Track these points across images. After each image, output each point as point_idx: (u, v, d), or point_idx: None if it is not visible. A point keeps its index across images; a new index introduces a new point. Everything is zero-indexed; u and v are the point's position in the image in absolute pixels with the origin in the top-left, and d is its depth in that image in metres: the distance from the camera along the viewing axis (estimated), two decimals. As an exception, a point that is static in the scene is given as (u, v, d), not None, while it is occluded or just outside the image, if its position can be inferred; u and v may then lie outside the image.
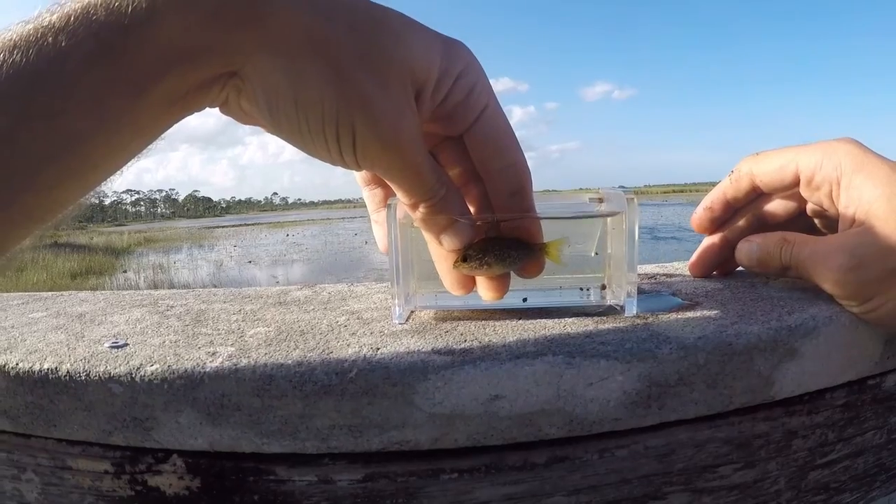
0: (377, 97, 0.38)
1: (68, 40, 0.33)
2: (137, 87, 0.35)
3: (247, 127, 0.51)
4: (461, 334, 0.47)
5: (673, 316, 0.49)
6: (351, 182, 0.54)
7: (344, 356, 0.43)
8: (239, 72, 0.38)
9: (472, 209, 0.48)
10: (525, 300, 0.54)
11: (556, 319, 0.50)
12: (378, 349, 0.44)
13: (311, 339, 0.47)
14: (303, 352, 0.44)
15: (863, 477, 0.54)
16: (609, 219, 0.52)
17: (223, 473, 0.45)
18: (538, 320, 0.50)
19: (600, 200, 0.53)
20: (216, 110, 0.42)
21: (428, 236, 0.48)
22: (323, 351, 0.44)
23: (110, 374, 0.43)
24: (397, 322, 0.51)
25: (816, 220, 0.59)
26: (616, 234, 0.52)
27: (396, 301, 0.51)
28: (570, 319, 0.50)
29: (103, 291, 0.75)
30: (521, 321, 0.50)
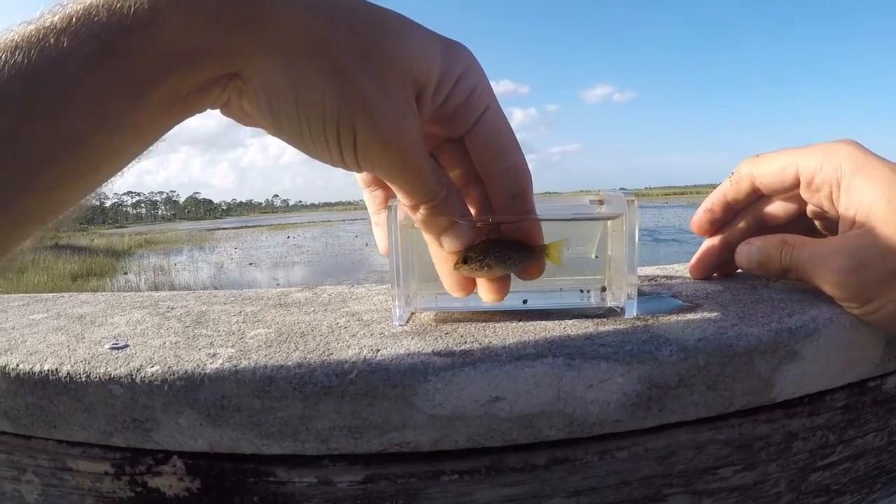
0: (378, 98, 0.38)
1: (70, 41, 0.33)
2: (139, 89, 0.35)
3: (248, 129, 0.52)
4: (461, 336, 0.47)
5: (673, 318, 0.49)
6: (352, 184, 0.54)
7: (344, 358, 0.43)
8: (240, 73, 0.38)
9: (472, 211, 0.48)
10: (525, 302, 0.54)
11: (556, 321, 0.50)
12: (378, 351, 0.44)
13: (311, 341, 0.47)
14: (303, 353, 0.44)
15: (863, 479, 0.54)
16: (609, 221, 0.52)
17: (223, 475, 0.45)
18: (538, 322, 0.50)
19: (601, 202, 0.53)
20: (217, 112, 0.42)
21: (428, 238, 0.48)
22: (323, 352, 0.44)
23: (111, 375, 0.43)
24: (397, 324, 0.51)
25: (817, 222, 0.59)
26: (616, 236, 0.52)
27: (397, 303, 0.51)
28: (571, 321, 0.50)
29: (104, 293, 0.75)
30: (521, 323, 0.50)
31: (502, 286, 0.49)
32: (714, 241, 0.63)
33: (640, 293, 0.56)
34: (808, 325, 0.47)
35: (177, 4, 0.34)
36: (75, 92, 0.33)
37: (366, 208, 0.53)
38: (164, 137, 0.40)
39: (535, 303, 0.54)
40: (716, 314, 0.50)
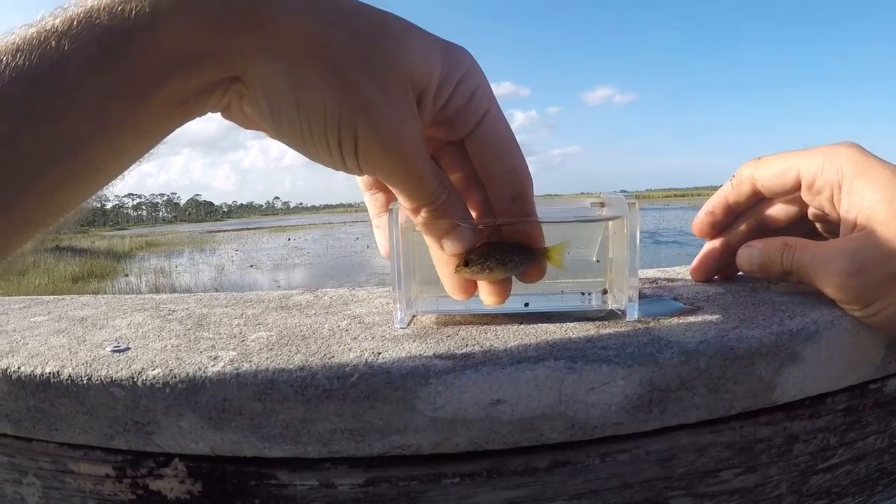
0: (379, 102, 0.38)
1: (71, 44, 0.33)
2: (140, 92, 0.35)
3: (248, 131, 0.52)
4: (462, 339, 0.47)
5: (674, 320, 0.49)
6: (352, 186, 0.54)
7: (345, 361, 0.43)
8: (241, 76, 0.38)
9: (473, 214, 0.48)
10: (527, 305, 0.54)
11: (557, 324, 0.50)
12: (380, 354, 0.44)
13: (312, 344, 0.47)
14: (304, 356, 0.44)
15: (865, 481, 0.54)
16: (610, 223, 0.52)
17: (224, 477, 0.45)
18: (539, 325, 0.50)
19: (602, 205, 0.53)
20: (218, 114, 0.42)
21: (429, 241, 0.48)
22: (324, 355, 0.44)
23: (112, 378, 0.43)
24: (399, 327, 0.51)
25: (818, 225, 0.59)
26: (617, 239, 0.52)
27: (398, 305, 0.51)
28: (572, 324, 0.50)
29: (105, 295, 0.75)
30: (522, 326, 0.50)
31: (503, 289, 0.49)
32: (715, 243, 0.63)
33: (642, 296, 0.56)
34: (810, 327, 0.47)
35: (178, 8, 0.35)
36: (76, 95, 0.33)
37: (367, 210, 0.53)
38: (164, 140, 0.40)
39: (537, 305, 0.54)
40: (717, 317, 0.50)
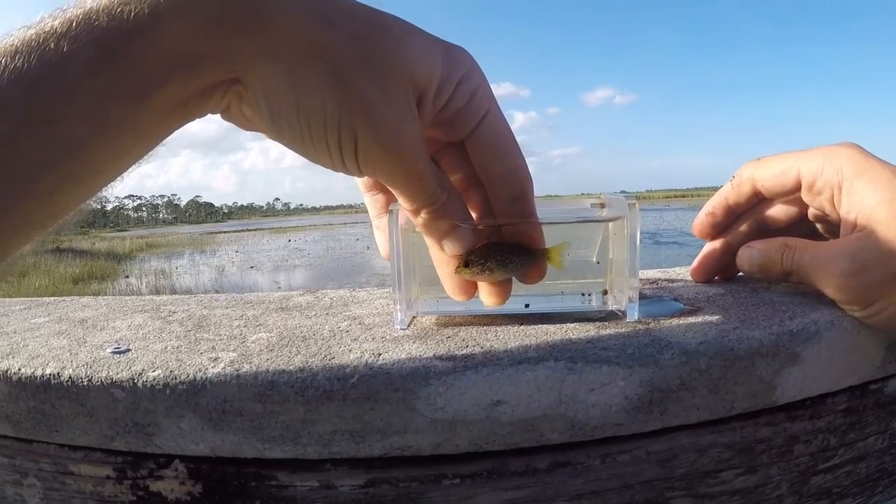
0: (378, 103, 0.38)
1: (70, 45, 0.33)
2: (139, 93, 0.35)
3: (249, 132, 0.52)
4: (463, 340, 0.47)
5: (675, 321, 0.49)
6: (353, 187, 0.54)
7: (346, 362, 0.43)
8: (241, 78, 0.38)
9: (473, 215, 0.48)
10: (527, 306, 0.54)
11: (557, 325, 0.50)
12: (380, 355, 0.44)
13: (312, 345, 0.47)
14: (305, 357, 0.44)
15: (865, 482, 0.54)
16: (611, 224, 0.52)
17: (225, 479, 0.45)
18: (540, 326, 0.50)
19: (602, 205, 0.53)
20: (218, 116, 0.42)
21: (430, 242, 0.48)
22: (325, 357, 0.44)
23: (112, 379, 0.43)
24: (399, 328, 0.51)
25: (818, 225, 0.59)
26: (618, 240, 0.52)
27: (398, 307, 0.51)
28: (572, 325, 0.50)
29: (105, 297, 0.75)
30: (522, 327, 0.50)
31: (504, 290, 0.49)
32: (715, 244, 0.63)
33: (642, 296, 0.56)
34: (810, 328, 0.47)
35: (177, 9, 0.35)
36: (75, 96, 0.33)
37: (367, 211, 0.53)
38: (164, 142, 0.40)
39: (537, 306, 0.54)
40: (717, 317, 0.50)
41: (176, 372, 0.43)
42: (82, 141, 0.35)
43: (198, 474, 0.46)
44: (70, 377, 0.44)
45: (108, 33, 0.34)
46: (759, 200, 0.60)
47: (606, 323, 0.50)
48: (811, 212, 0.57)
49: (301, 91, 0.37)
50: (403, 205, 0.45)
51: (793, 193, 0.56)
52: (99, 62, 0.34)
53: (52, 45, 0.33)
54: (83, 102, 0.34)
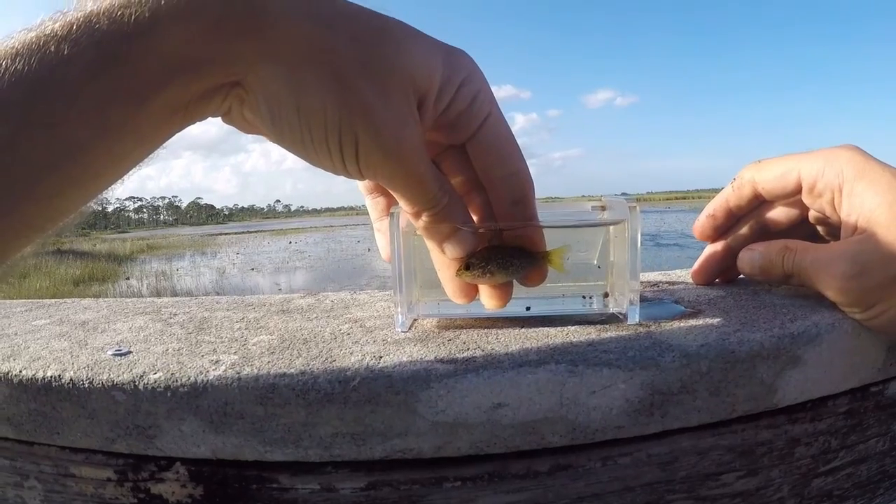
0: (379, 106, 0.38)
1: (70, 49, 0.33)
2: (139, 97, 0.35)
3: (249, 134, 0.52)
4: (464, 342, 0.47)
5: (675, 324, 0.49)
6: (354, 189, 0.54)
7: (347, 364, 0.43)
8: (241, 81, 0.38)
9: (474, 218, 0.48)
10: (528, 308, 0.54)
11: (558, 328, 0.50)
12: (381, 357, 0.44)
13: (314, 348, 0.47)
14: (306, 360, 0.45)
15: (866, 484, 0.54)
16: (611, 227, 0.53)
17: (226, 481, 0.45)
18: (541, 328, 0.50)
19: (603, 208, 0.53)
20: (218, 118, 0.42)
21: (431, 245, 0.48)
22: (326, 359, 0.44)
23: (113, 381, 0.43)
24: (400, 330, 0.51)
25: (819, 228, 0.59)
26: (618, 242, 0.52)
27: (399, 309, 0.51)
28: (573, 328, 0.50)
29: (106, 299, 0.75)
30: (523, 329, 0.50)
31: (505, 293, 0.49)
32: (716, 246, 0.63)
33: (643, 299, 0.56)
34: (811, 330, 0.47)
35: (178, 13, 0.35)
36: (76, 99, 0.33)
37: (368, 213, 0.53)
38: (165, 144, 0.40)
39: (538, 309, 0.54)
40: (718, 320, 0.50)
41: (177, 374, 0.43)
42: (83, 144, 0.35)
43: (199, 477, 0.46)
44: (71, 379, 0.44)
45: (108, 36, 0.34)
46: (759, 203, 0.60)
47: (607, 326, 0.50)
48: (812, 214, 0.57)
49: (301, 94, 0.37)
50: (405, 208, 0.45)
51: (793, 196, 0.56)
52: (99, 65, 0.34)
53: (52, 48, 0.33)
54: (84, 105, 0.34)
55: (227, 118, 0.41)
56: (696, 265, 0.65)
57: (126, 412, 0.43)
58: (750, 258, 0.57)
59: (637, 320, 0.50)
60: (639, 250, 0.50)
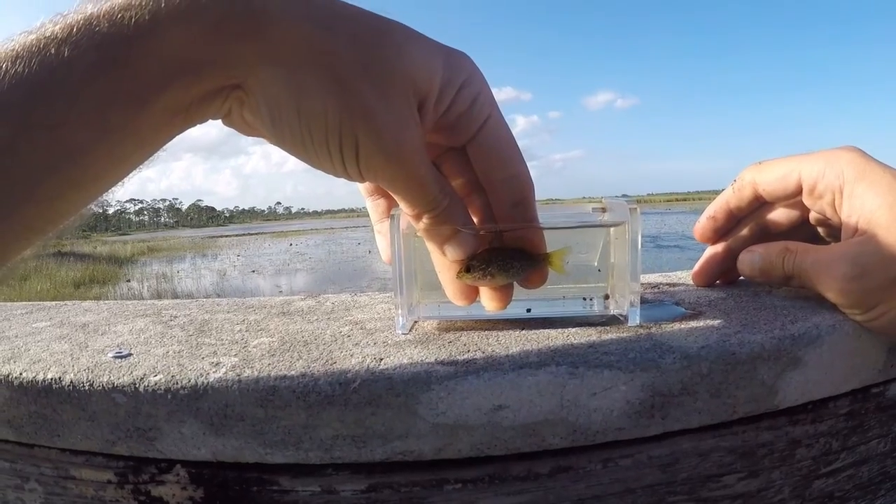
0: (379, 108, 0.38)
1: (71, 51, 0.33)
2: (140, 99, 0.35)
3: (250, 137, 0.52)
4: (464, 344, 0.47)
5: (676, 325, 0.49)
6: (354, 191, 0.54)
7: (347, 367, 0.43)
8: (242, 84, 0.38)
9: (475, 220, 0.48)
10: (529, 310, 0.54)
11: (559, 329, 0.50)
12: (381, 359, 0.44)
13: (314, 350, 0.47)
14: (306, 362, 0.44)
15: (867, 485, 0.54)
16: (612, 228, 0.53)
17: (226, 483, 0.45)
18: (541, 330, 0.50)
19: (603, 210, 0.53)
20: (219, 120, 0.42)
21: (431, 247, 0.48)
22: (326, 361, 0.44)
23: (114, 384, 0.43)
24: (400, 332, 0.51)
25: (819, 229, 0.59)
26: (619, 244, 0.52)
27: (400, 311, 0.51)
28: (574, 329, 0.50)
29: (107, 301, 0.75)
30: (524, 331, 0.50)
31: (505, 295, 0.49)
32: (717, 248, 0.63)
33: (643, 301, 0.56)
34: (811, 332, 0.47)
35: (178, 15, 0.35)
36: (76, 102, 0.33)
37: (368, 215, 0.53)
38: (165, 147, 0.40)
39: (538, 311, 0.54)
40: (719, 321, 0.50)
41: (177, 377, 0.43)
42: (83, 146, 0.35)
43: (199, 479, 0.46)
44: (71, 382, 0.44)
45: (109, 39, 0.34)
46: (760, 204, 0.60)
47: (608, 327, 0.50)
48: (812, 215, 0.57)
49: (302, 96, 0.37)
50: (405, 210, 0.45)
51: (794, 197, 0.56)
52: (100, 68, 0.34)
53: (52, 51, 0.33)
54: (84, 108, 0.34)
55: (228, 120, 0.41)
56: (697, 267, 0.65)
57: (126, 414, 0.43)
58: (750, 260, 0.57)
59: (638, 322, 0.50)
60: (639, 252, 0.50)
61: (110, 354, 0.48)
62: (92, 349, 0.50)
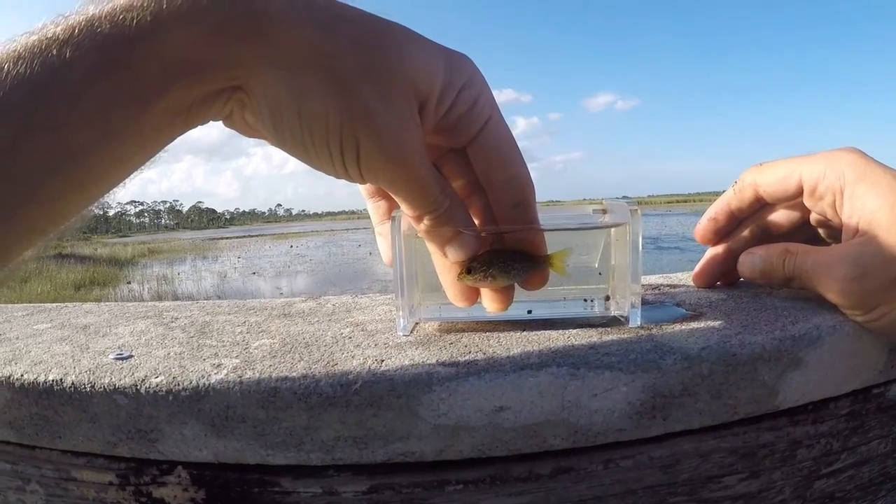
0: (380, 110, 0.39)
1: (73, 52, 0.33)
2: (141, 100, 0.35)
3: (251, 138, 0.52)
4: (465, 346, 0.47)
5: (677, 326, 0.49)
6: (355, 193, 0.54)
7: (349, 368, 0.43)
8: (243, 85, 0.38)
9: (475, 221, 0.48)
10: (530, 312, 0.54)
11: (560, 331, 0.50)
12: (382, 361, 0.44)
13: (315, 351, 0.47)
14: (307, 364, 0.45)
15: (868, 486, 0.54)
16: (613, 230, 0.53)
17: (228, 485, 0.45)
18: (542, 332, 0.50)
19: (604, 212, 0.53)
20: (220, 122, 0.42)
21: (432, 248, 0.48)
22: (328, 363, 0.44)
23: (115, 385, 0.43)
24: (402, 334, 0.51)
25: (820, 230, 0.59)
26: (620, 246, 0.52)
27: (401, 313, 0.51)
28: (575, 331, 0.50)
29: (108, 303, 0.75)
30: (525, 333, 0.50)
31: (506, 296, 0.49)
32: (718, 249, 0.63)
33: (644, 302, 0.56)
34: (812, 332, 0.47)
35: (180, 17, 0.35)
36: (77, 103, 0.33)
37: (369, 217, 0.53)
38: (166, 148, 0.40)
39: (539, 312, 0.54)
40: (719, 323, 0.50)
41: (179, 378, 0.43)
42: (84, 147, 0.35)
43: (201, 481, 0.46)
44: (73, 383, 0.44)
45: (110, 40, 0.34)
46: (761, 206, 0.60)
47: (609, 329, 0.50)
48: (813, 217, 0.57)
49: (303, 98, 0.38)
50: (406, 211, 0.45)
51: (795, 198, 0.56)
52: (101, 69, 0.34)
53: (54, 52, 0.33)
54: (85, 109, 0.34)
55: (229, 122, 0.41)
56: (698, 268, 0.65)
57: (128, 416, 0.43)
58: (751, 262, 0.57)
59: (638, 323, 0.50)
60: (640, 253, 0.50)
61: (111, 356, 0.48)
62: (93, 351, 0.50)
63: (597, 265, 0.54)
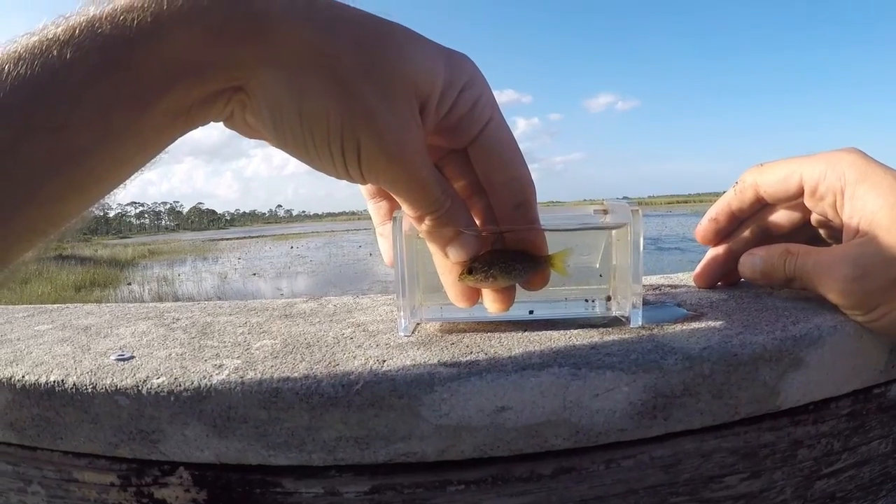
0: (382, 111, 0.39)
1: (73, 53, 0.33)
2: (142, 101, 0.35)
3: (251, 139, 0.52)
4: (467, 346, 0.47)
5: (678, 327, 0.50)
6: (356, 194, 0.54)
7: (350, 368, 0.43)
8: (244, 86, 0.38)
9: (476, 222, 0.48)
10: (531, 312, 0.54)
11: (561, 331, 0.50)
12: (384, 361, 0.44)
13: (317, 352, 0.47)
14: (309, 364, 0.45)
15: (869, 486, 0.54)
16: (614, 230, 0.53)
17: (230, 486, 0.45)
18: (543, 332, 0.50)
19: (605, 212, 0.53)
20: (220, 123, 0.42)
21: (433, 248, 0.48)
22: (329, 363, 0.44)
23: (116, 386, 0.43)
24: (403, 334, 0.51)
25: (821, 231, 0.59)
26: (621, 246, 0.52)
27: (402, 313, 0.51)
28: (576, 331, 0.50)
29: (109, 304, 0.75)
30: (526, 333, 0.50)
31: (507, 296, 0.49)
32: (718, 250, 0.63)
33: (645, 302, 0.56)
34: (813, 332, 0.47)
35: (180, 18, 0.35)
36: (78, 104, 0.33)
37: (370, 218, 0.53)
38: (166, 149, 0.40)
39: (540, 312, 0.54)
40: (720, 323, 0.50)
41: (180, 379, 0.43)
42: (85, 148, 0.35)
43: (202, 481, 0.46)
44: (74, 384, 0.44)
45: (111, 41, 0.34)
46: (761, 206, 0.60)
47: (610, 329, 0.50)
48: (814, 217, 0.57)
49: (304, 99, 0.38)
50: (407, 212, 0.45)
51: (795, 199, 0.56)
52: (102, 70, 0.34)
53: (55, 53, 0.33)
54: (86, 110, 0.34)
55: (230, 123, 0.41)
56: (699, 268, 0.65)
57: (129, 417, 0.43)
58: (751, 262, 0.57)
59: (640, 323, 0.50)
60: (641, 254, 0.50)
61: (113, 357, 0.48)
62: (94, 352, 0.51)
63: (598, 265, 0.54)
